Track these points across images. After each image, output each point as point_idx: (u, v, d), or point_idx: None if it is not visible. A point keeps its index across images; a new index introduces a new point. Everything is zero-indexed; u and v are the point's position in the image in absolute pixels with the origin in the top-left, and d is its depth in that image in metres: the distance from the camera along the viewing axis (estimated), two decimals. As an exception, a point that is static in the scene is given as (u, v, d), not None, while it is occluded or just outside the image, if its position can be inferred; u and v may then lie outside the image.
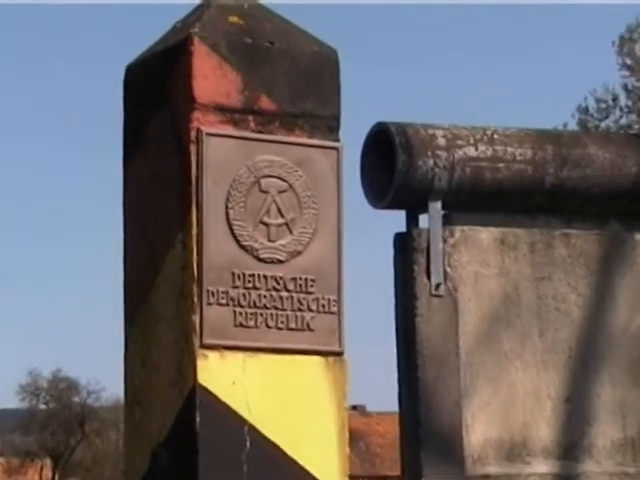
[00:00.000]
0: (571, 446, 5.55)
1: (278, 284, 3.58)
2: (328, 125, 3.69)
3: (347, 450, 3.72)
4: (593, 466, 5.57)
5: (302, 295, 3.59)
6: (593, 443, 5.58)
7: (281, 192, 3.61)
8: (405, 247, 5.41)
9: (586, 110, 32.75)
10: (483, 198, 5.51)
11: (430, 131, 5.43)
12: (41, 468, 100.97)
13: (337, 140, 3.71)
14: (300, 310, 3.59)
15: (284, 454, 3.52)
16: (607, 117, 32.51)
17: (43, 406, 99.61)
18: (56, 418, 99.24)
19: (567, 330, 5.63)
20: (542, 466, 5.51)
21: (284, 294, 3.58)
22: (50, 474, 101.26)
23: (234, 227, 3.56)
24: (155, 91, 3.69)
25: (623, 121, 32.04)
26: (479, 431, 5.44)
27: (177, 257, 3.58)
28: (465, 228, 5.49)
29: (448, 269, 5.43)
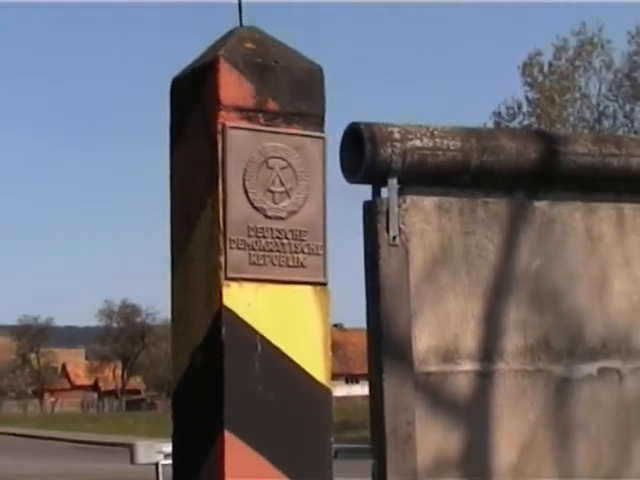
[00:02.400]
0: (488, 351, 5.54)
1: (280, 234, 3.55)
2: (316, 121, 3.66)
3: (330, 354, 3.69)
4: (503, 365, 5.56)
5: (297, 242, 3.57)
6: (503, 349, 5.58)
7: (283, 168, 3.59)
8: (371, 210, 5.39)
9: (499, 114, 32.95)
10: (426, 176, 5.49)
11: (389, 128, 5.40)
12: (114, 368, 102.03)
13: (323, 132, 3.68)
14: (296, 253, 3.57)
15: (285, 355, 3.50)
16: (514, 119, 32.68)
17: (115, 324, 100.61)
18: (124, 333, 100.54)
19: (486, 270, 5.61)
20: (467, 366, 5.50)
21: (285, 241, 3.56)
22: (120, 372, 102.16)
23: (249, 194, 3.53)
24: (192, 97, 3.65)
25: (525, 122, 32.17)
26: (424, 341, 5.43)
27: (208, 215, 3.55)
28: (414, 197, 5.46)
29: (402, 226, 5.40)
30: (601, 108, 33.78)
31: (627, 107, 33.68)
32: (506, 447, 5.51)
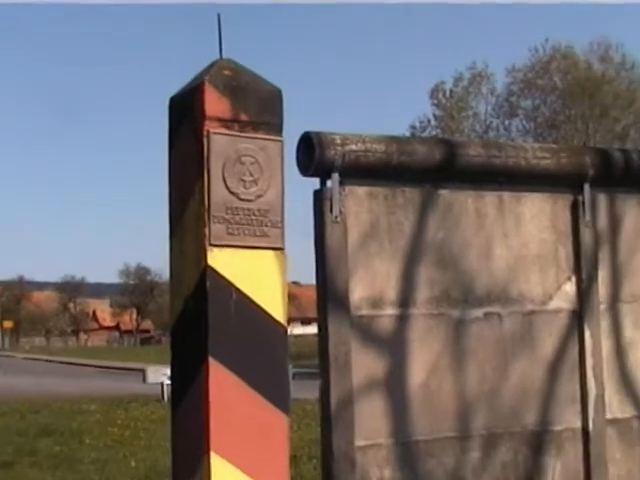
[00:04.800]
0: (404, 300, 5.54)
1: (250, 212, 3.51)
2: (277, 129, 3.62)
3: (287, 300, 3.67)
4: (415, 310, 5.57)
5: (262, 218, 3.54)
6: (416, 298, 5.58)
7: (252, 164, 3.54)
8: (319, 197, 5.34)
9: (414, 127, 32.97)
10: (360, 171, 5.45)
11: (332, 136, 5.36)
12: (131, 314, 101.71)
13: (281, 137, 3.64)
14: (261, 226, 3.54)
15: (253, 301, 3.48)
16: (425, 130, 32.73)
17: (131, 281, 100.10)
18: (138, 288, 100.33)
19: (403, 240, 5.61)
20: (389, 311, 5.50)
21: (253, 217, 3.52)
22: (135, 317, 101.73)
23: (226, 182, 3.48)
24: (185, 110, 3.59)
25: (433, 133, 32.22)
26: (357, 293, 5.42)
27: (196, 198, 3.50)
28: (350, 187, 5.42)
29: (342, 208, 5.37)
30: (487, 123, 34.19)
31: (506, 122, 34.15)
32: (417, 370, 5.53)
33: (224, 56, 3.62)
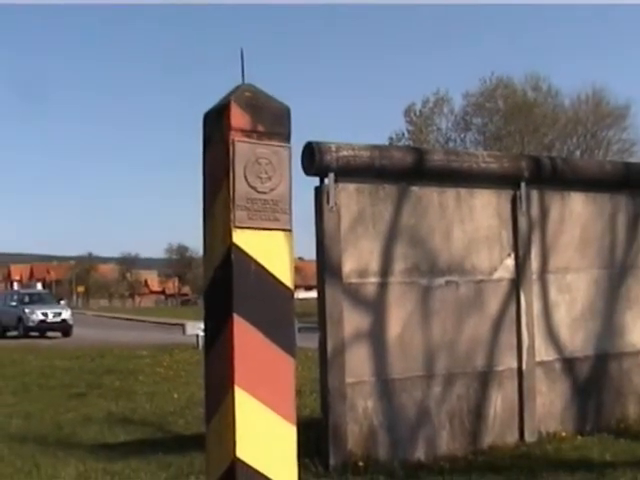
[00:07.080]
0: (384, 271, 5.52)
1: (265, 202, 3.44)
2: (286, 138, 3.53)
3: (293, 270, 3.60)
4: (393, 279, 5.55)
5: (274, 206, 3.45)
6: (393, 270, 5.56)
7: (267, 164, 3.46)
8: (319, 191, 5.32)
9: (392, 138, 32.75)
10: (350, 172, 5.42)
11: (329, 144, 5.33)
12: (173, 282, 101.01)
13: (289, 144, 3.55)
14: (274, 212, 3.45)
15: (267, 271, 3.41)
16: (400, 141, 32.51)
17: (174, 257, 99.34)
18: (179, 261, 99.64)
19: (383, 226, 5.58)
20: (373, 279, 5.49)
21: (267, 206, 3.44)
22: (177, 284, 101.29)
23: (247, 178, 3.40)
24: (216, 123, 3.52)
25: (406, 143, 31.98)
26: (348, 266, 5.40)
27: (224, 191, 3.43)
28: (343, 184, 5.40)
29: (336, 200, 5.34)
30: (448, 136, 34.10)
31: (462, 135, 34.07)
32: (394, 324, 5.52)
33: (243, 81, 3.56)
